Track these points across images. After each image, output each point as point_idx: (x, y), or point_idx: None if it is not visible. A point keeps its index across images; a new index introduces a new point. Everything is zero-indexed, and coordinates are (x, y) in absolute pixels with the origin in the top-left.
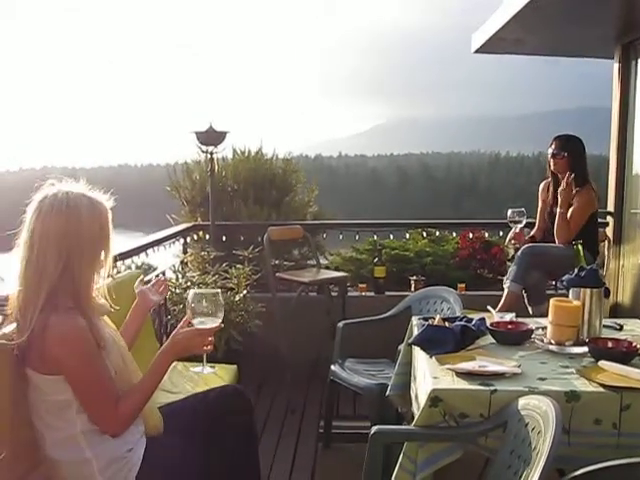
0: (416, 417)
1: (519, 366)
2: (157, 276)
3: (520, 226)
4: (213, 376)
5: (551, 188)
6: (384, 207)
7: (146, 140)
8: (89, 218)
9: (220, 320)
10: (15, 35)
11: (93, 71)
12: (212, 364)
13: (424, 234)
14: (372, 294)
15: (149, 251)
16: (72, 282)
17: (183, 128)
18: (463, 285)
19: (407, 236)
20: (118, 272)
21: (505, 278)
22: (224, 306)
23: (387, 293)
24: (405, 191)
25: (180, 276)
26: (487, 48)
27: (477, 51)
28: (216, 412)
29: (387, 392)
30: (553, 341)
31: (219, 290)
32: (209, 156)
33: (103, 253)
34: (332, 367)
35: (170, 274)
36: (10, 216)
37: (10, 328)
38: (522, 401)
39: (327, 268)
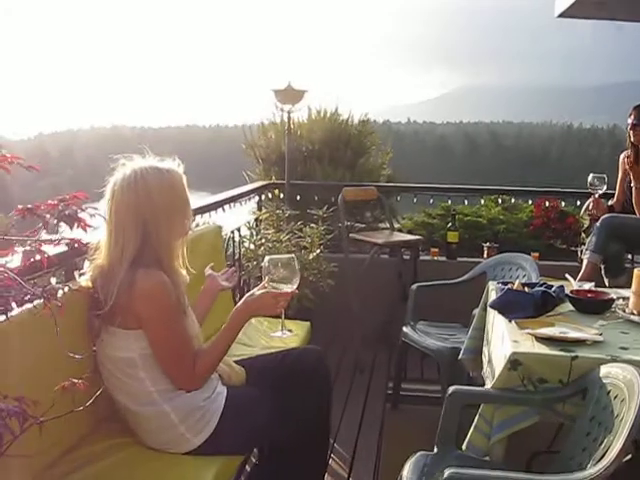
0: (494, 379)
1: (600, 334)
2: (232, 232)
3: (600, 192)
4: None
5: (632, 159)
6: (453, 174)
7: (215, 101)
8: (158, 187)
9: (296, 286)
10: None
11: (160, 31)
12: (288, 321)
13: (499, 201)
14: (444, 259)
15: (220, 212)
16: (153, 249)
17: (257, 89)
18: (537, 254)
19: (482, 202)
20: (197, 225)
21: (584, 248)
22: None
23: (459, 259)
24: (473, 158)
25: (255, 233)
26: (571, 12)
27: (561, 15)
28: (296, 371)
29: (459, 355)
30: (635, 311)
31: (294, 255)
32: (286, 115)
33: (180, 218)
34: (404, 329)
35: (245, 231)
36: (86, 169)
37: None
38: (604, 369)
39: (399, 231)
